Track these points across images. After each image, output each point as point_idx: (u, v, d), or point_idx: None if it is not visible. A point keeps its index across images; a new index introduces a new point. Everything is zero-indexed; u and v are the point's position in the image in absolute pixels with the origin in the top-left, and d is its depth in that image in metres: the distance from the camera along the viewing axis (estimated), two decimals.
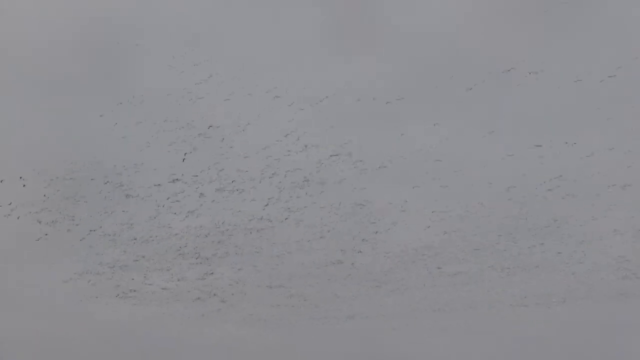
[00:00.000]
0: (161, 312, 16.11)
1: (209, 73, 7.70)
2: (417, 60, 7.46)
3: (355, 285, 13.97)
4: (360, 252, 11.41)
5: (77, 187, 10.23)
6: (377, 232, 11.51)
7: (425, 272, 14.73)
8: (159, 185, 10.39)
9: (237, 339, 16.42)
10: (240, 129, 8.50)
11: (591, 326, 15.35)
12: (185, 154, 9.01)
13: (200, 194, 11.22)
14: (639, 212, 10.48)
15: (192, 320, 15.55)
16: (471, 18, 6.82)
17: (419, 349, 16.83)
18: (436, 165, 9.90)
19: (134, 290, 14.43)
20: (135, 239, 12.27)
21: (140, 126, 8.65)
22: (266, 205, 9.61)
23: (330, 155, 8.99)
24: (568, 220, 12.59)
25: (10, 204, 9.45)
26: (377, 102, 8.32)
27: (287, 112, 8.32)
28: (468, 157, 10.31)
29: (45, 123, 8.85)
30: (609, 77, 6.24)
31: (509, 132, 9.72)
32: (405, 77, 8.16)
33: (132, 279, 13.59)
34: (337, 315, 16.53)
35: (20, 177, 8.62)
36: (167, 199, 10.88)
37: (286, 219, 10.61)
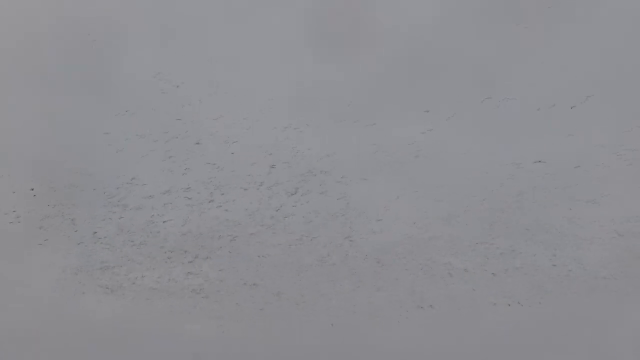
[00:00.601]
0: (149, 309, 16.45)
1: (195, 87, 8.13)
2: (403, 56, 7.78)
3: (339, 283, 14.17)
4: (345, 250, 11.68)
5: (76, 195, 10.58)
6: (361, 230, 11.79)
7: (410, 269, 15.02)
8: (151, 196, 10.77)
9: (220, 335, 16.60)
10: (229, 141, 8.84)
11: (571, 324, 15.57)
12: (185, 169, 9.42)
13: (189, 198, 11.55)
14: (618, 214, 10.80)
15: (176, 315, 15.86)
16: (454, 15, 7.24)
17: (404, 346, 16.92)
18: (422, 162, 10.17)
19: (124, 288, 14.87)
20: (128, 242, 12.76)
21: (132, 138, 9.01)
22: (254, 209, 9.92)
23: (319, 159, 9.33)
24: (552, 220, 12.94)
25: (14, 211, 9.86)
26: (362, 99, 8.64)
27: (276, 119, 8.65)
28: (454, 154, 10.61)
29: (45, 132, 9.21)
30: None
31: (498, 131, 10.01)
32: (391, 74, 8.46)
33: (122, 278, 14.06)
34: (320, 313, 16.68)
35: (32, 189, 9.13)
36: (155, 206, 11.21)
37: (272, 217, 10.93)
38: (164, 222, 12.82)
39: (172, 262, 14.52)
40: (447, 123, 9.33)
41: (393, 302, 16.14)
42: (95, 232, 13.48)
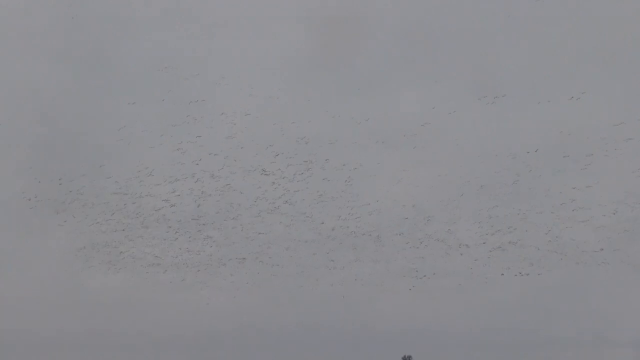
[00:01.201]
0: (148, 281, 17.37)
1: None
2: (408, 28, 8.16)
3: (341, 256, 14.78)
4: (347, 227, 12.24)
5: (89, 184, 11.24)
6: (361, 211, 12.40)
7: (403, 239, 15.66)
8: (151, 175, 11.45)
9: (230, 306, 17.62)
10: (234, 129, 9.26)
11: (566, 292, 16.37)
12: (199, 159, 9.94)
13: (197, 179, 12.19)
14: (605, 198, 11.51)
15: (175, 286, 16.85)
16: None
17: (396, 312, 17.83)
18: (421, 150, 10.79)
19: (126, 262, 15.87)
20: (129, 219, 13.66)
21: (140, 130, 9.60)
22: (258, 191, 10.36)
23: (320, 146, 9.80)
24: (551, 189, 13.72)
25: (29, 199, 10.76)
26: (365, 69, 9.22)
27: (278, 107, 9.10)
28: (455, 123, 11.26)
29: (56, 125, 9.82)
30: None
31: (497, 100, 10.62)
32: (394, 44, 8.98)
33: (126, 253, 14.98)
34: (323, 283, 17.37)
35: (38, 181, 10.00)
36: (162, 193, 11.88)
37: (274, 198, 11.41)
38: (171, 206, 13.43)
39: (179, 241, 15.14)
40: (447, 115, 9.76)
41: (382, 271, 16.76)
42: (107, 215, 14.20)
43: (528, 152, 24.76)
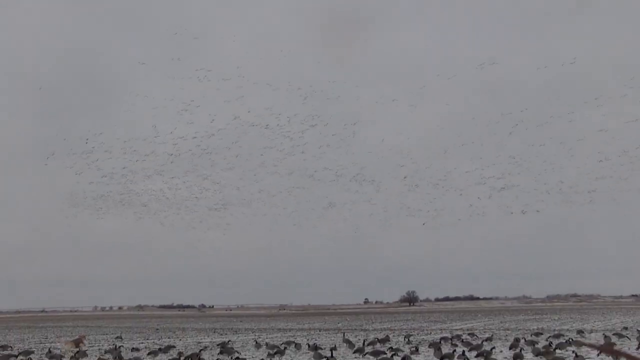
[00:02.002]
0: (156, 221, 19.20)
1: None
2: None
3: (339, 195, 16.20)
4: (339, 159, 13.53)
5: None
6: (361, 151, 13.68)
7: (402, 177, 17.11)
8: (156, 108, 12.39)
9: (227, 245, 19.47)
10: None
11: (559, 228, 19.13)
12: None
13: (213, 119, 13.09)
14: (589, 151, 12.60)
15: (183, 228, 18.83)
16: None
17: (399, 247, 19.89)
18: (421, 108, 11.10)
19: (134, 200, 17.35)
20: (132, 159, 14.79)
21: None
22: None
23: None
24: (534, 152, 15.26)
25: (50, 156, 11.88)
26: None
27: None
28: (455, 58, 11.93)
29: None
30: None
31: (498, 36, 11.11)
32: None
33: (128, 191, 16.41)
34: (321, 225, 19.48)
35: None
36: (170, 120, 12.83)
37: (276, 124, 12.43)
38: (170, 132, 14.53)
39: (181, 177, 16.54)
40: (447, 28, 10.43)
41: (383, 208, 18.76)
42: (102, 150, 15.44)
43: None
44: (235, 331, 28.23)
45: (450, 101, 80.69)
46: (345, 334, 21.27)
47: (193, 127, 47.45)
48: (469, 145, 45.80)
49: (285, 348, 14.05)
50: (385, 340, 16.37)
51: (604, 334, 17.92)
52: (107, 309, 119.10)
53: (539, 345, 13.27)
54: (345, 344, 15.72)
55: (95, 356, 13.75)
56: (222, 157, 43.71)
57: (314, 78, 66.47)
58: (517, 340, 14.77)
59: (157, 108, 56.20)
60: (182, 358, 12.28)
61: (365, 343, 15.14)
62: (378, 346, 14.92)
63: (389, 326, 29.99)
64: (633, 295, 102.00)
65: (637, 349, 13.02)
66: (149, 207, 49.23)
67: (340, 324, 34.02)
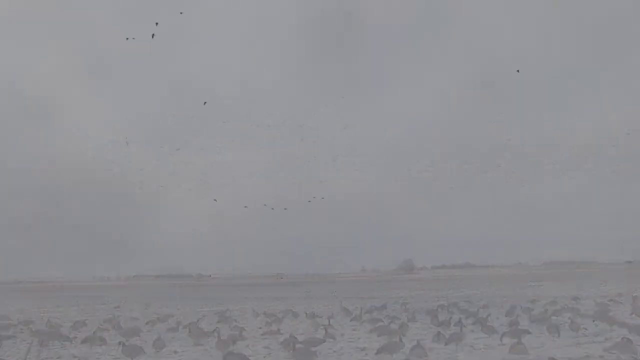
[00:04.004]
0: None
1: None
2: None
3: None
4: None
5: None
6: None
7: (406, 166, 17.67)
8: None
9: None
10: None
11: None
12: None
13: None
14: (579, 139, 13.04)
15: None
16: None
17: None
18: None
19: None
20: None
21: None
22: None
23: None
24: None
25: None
26: None
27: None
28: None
29: None
30: None
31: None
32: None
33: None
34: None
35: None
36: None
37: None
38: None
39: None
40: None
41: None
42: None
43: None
44: (233, 300, 28.40)
45: None
46: (343, 302, 21.42)
47: None
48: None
49: (282, 317, 14.12)
50: (383, 308, 16.49)
51: (593, 301, 18.06)
52: (105, 279, 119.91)
53: (535, 312, 13.37)
54: (342, 312, 15.85)
55: (95, 326, 13.81)
56: None
57: None
58: (513, 307, 14.89)
59: None
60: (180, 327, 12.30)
61: (363, 311, 15.26)
62: (375, 314, 15.04)
63: (386, 294, 30.21)
64: (627, 262, 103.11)
65: (631, 314, 13.15)
66: None
67: (337, 293, 34.24)
